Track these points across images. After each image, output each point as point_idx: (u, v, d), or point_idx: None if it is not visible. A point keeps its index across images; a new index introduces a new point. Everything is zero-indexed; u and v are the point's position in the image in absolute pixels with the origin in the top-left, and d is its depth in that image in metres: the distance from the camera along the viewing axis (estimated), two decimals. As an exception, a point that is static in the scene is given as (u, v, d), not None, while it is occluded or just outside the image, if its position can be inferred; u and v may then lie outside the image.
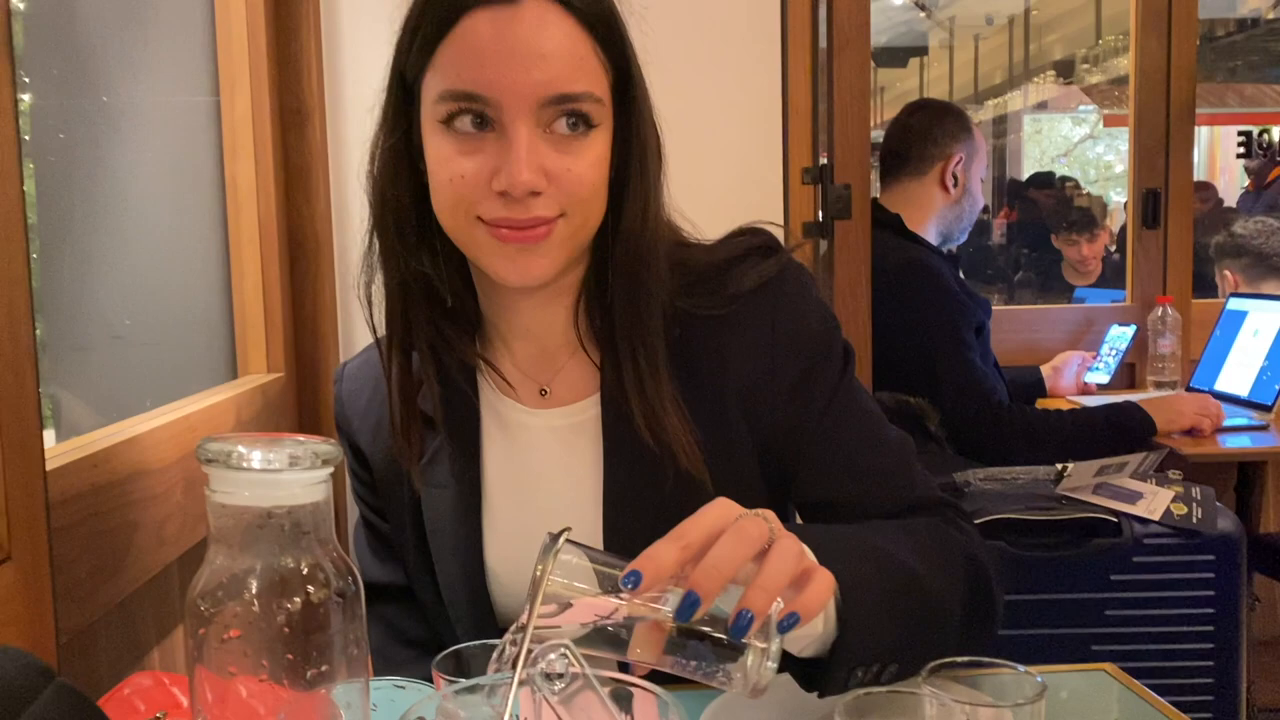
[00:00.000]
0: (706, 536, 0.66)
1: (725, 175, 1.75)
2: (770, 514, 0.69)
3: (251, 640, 0.54)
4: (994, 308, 2.41)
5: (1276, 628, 2.60)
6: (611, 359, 0.92)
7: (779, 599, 0.65)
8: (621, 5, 0.88)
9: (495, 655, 0.63)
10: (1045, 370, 2.70)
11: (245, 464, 0.54)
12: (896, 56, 10.00)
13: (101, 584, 0.96)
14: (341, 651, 0.56)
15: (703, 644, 0.65)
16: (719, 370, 0.93)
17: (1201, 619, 1.83)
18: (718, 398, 0.93)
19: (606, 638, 0.65)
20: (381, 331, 0.96)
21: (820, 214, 1.90)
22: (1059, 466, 1.93)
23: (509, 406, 0.97)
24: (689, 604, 0.63)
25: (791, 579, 0.66)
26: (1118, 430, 2.17)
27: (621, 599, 0.65)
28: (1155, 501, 1.88)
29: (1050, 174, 6.55)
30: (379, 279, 0.94)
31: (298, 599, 0.54)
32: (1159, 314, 2.69)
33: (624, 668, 0.65)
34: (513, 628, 0.63)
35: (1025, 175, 7.97)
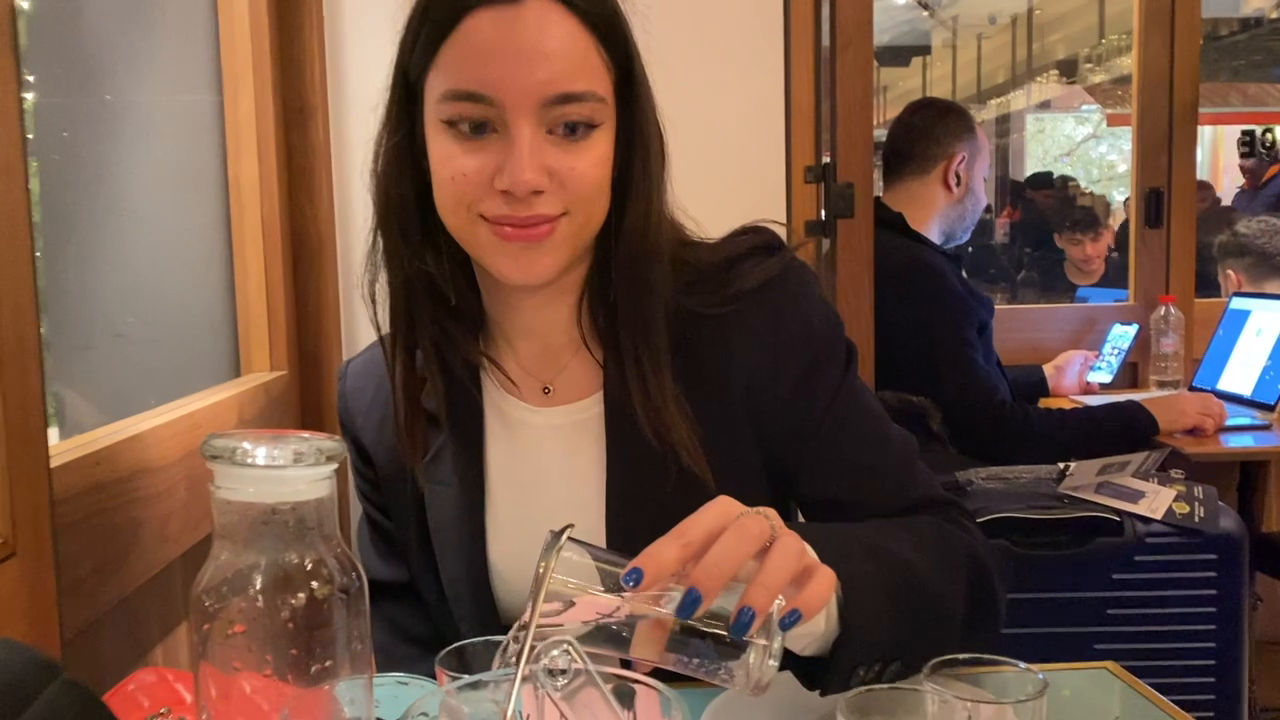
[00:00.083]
0: (708, 534, 0.66)
1: (728, 174, 1.75)
2: (772, 512, 0.69)
3: (256, 636, 0.54)
4: (996, 307, 2.41)
5: (1278, 627, 2.60)
6: (614, 357, 0.93)
7: (780, 596, 0.66)
8: (624, 4, 0.88)
9: (499, 652, 0.63)
10: (1048, 370, 2.70)
11: (250, 460, 0.54)
12: (899, 55, 10.00)
13: (105, 581, 0.96)
14: (345, 647, 0.57)
15: (704, 642, 0.65)
16: (722, 369, 0.93)
17: (1203, 618, 1.83)
18: (720, 396, 0.93)
19: (609, 635, 0.65)
20: (385, 329, 0.96)
21: (823, 213, 1.90)
22: (1061, 465, 1.93)
23: (512, 404, 0.98)
24: (690, 601, 0.64)
25: (793, 577, 0.66)
26: (1120, 429, 2.17)
27: (623, 597, 0.65)
28: (1157, 501, 1.87)
29: (1049, 174, 6.55)
30: (383, 277, 0.94)
31: (302, 595, 0.55)
32: (1162, 313, 2.69)
33: (626, 665, 0.65)
34: (515, 626, 0.63)
35: (1028, 174, 7.97)
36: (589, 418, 0.95)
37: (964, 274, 2.46)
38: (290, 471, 0.55)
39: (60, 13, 1.24)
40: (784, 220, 1.80)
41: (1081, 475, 1.91)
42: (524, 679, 0.56)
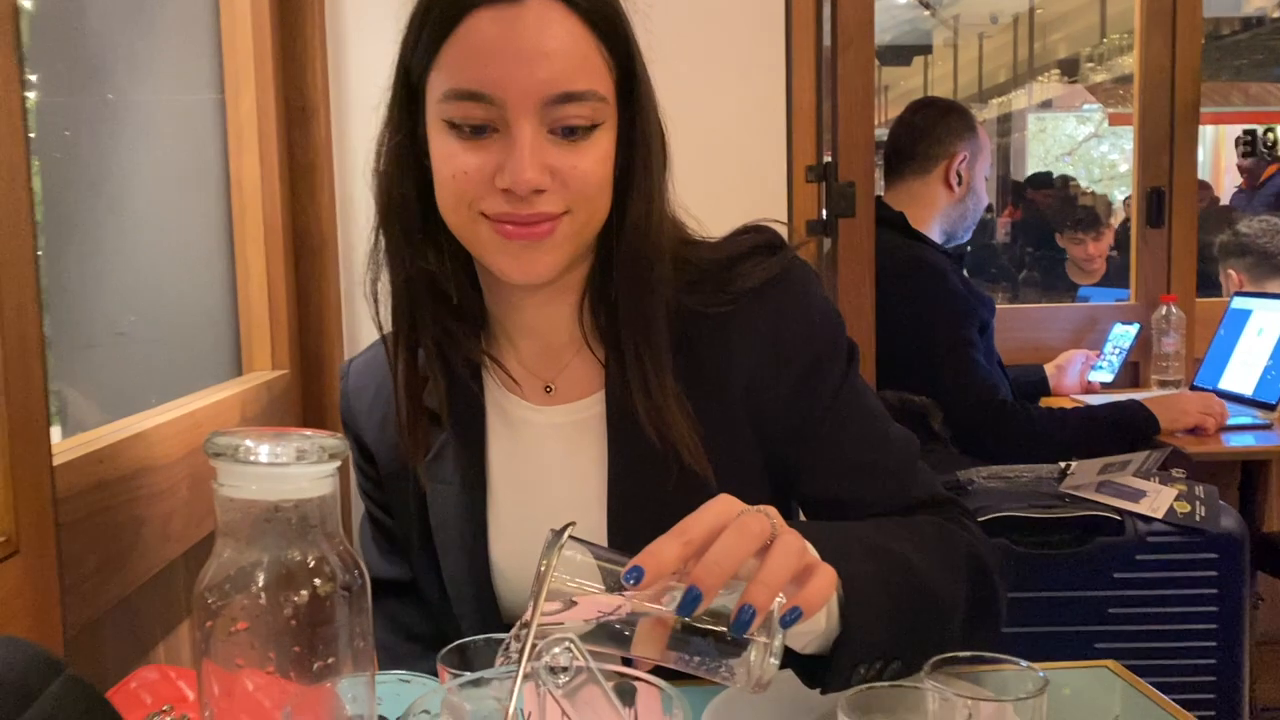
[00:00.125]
0: (708, 532, 0.66)
1: (729, 173, 1.75)
2: (772, 510, 0.69)
3: (258, 633, 0.55)
4: (998, 306, 2.41)
5: (1279, 627, 2.60)
6: (616, 356, 0.93)
7: (781, 594, 0.66)
8: (626, 3, 0.89)
9: (501, 650, 0.63)
10: (1049, 369, 2.70)
11: (253, 458, 0.54)
12: (901, 55, 9.99)
13: (108, 579, 0.96)
14: (348, 644, 0.57)
15: (705, 640, 0.66)
16: (723, 368, 0.93)
17: (1205, 617, 1.83)
18: (722, 395, 0.93)
19: (610, 633, 0.66)
20: (388, 328, 0.96)
21: (824, 212, 1.90)
22: (1062, 465, 1.93)
23: (514, 403, 0.98)
24: (691, 599, 0.64)
25: (793, 575, 0.67)
26: (1121, 429, 2.17)
27: (624, 595, 0.65)
28: (1159, 500, 1.88)
29: (1049, 174, 6.54)
30: (385, 276, 0.94)
31: (304, 592, 0.55)
32: (1163, 313, 2.69)
33: (628, 663, 0.65)
34: (518, 624, 0.63)
35: (1029, 174, 7.96)
36: (590, 416, 0.95)
37: (965, 273, 2.46)
38: (293, 469, 0.55)
39: (62, 12, 1.24)
40: (785, 219, 1.80)
41: (1082, 474, 1.91)
42: (526, 677, 0.56)
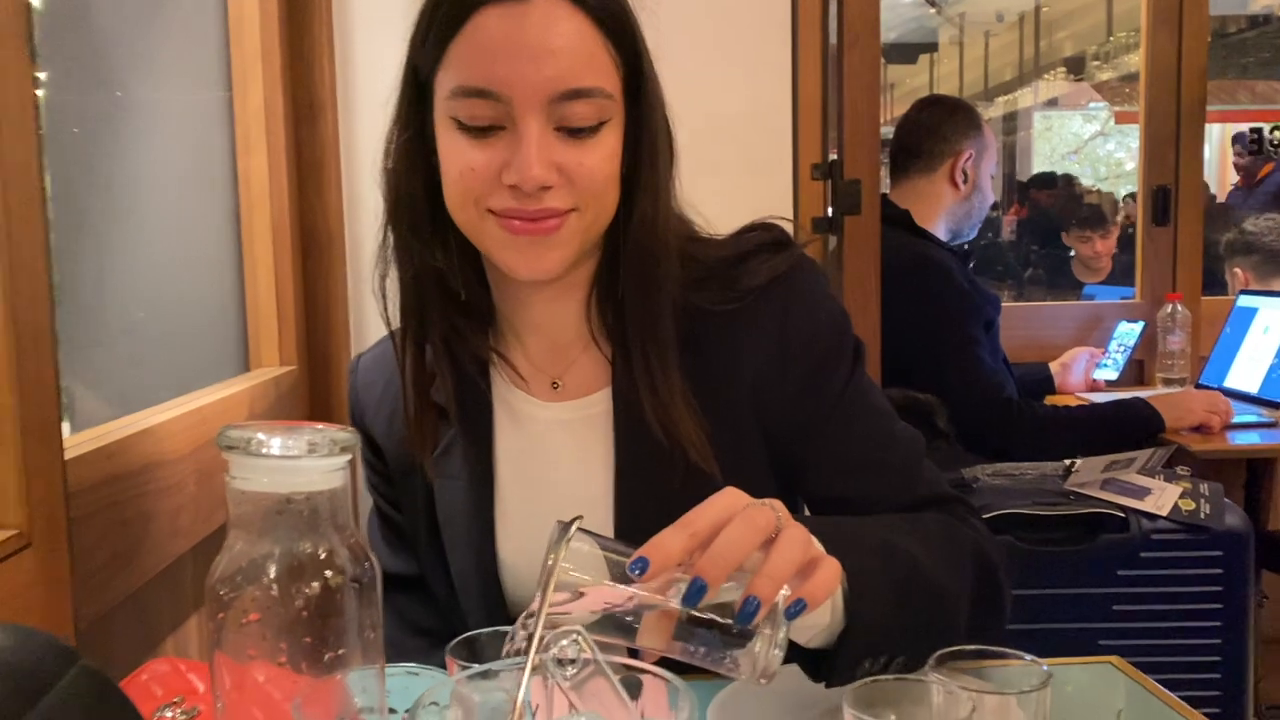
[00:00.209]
0: (714, 525, 0.67)
1: (735, 170, 1.75)
2: (778, 503, 0.70)
3: (270, 624, 0.55)
4: (1003, 304, 2.41)
5: (1285, 625, 2.60)
6: (623, 353, 0.93)
7: (786, 586, 0.66)
8: (633, 1, 0.89)
9: (507, 640, 0.64)
10: (1054, 367, 2.70)
11: (265, 451, 0.55)
12: (906, 53, 9.98)
13: (118, 572, 0.97)
14: (358, 636, 0.57)
15: (711, 632, 0.66)
16: (729, 365, 0.94)
17: (1209, 615, 1.83)
18: (728, 393, 0.93)
19: (616, 625, 0.66)
20: (396, 325, 0.97)
21: (830, 210, 1.90)
22: (1067, 462, 1.93)
23: (521, 399, 0.98)
24: (696, 590, 0.64)
25: (798, 567, 0.67)
26: (1126, 426, 2.17)
27: (631, 587, 0.66)
28: (1163, 497, 1.88)
29: (1052, 174, 6.53)
30: (393, 273, 0.95)
31: (315, 584, 0.55)
32: (1168, 311, 2.68)
33: (634, 655, 0.66)
34: (524, 615, 0.63)
35: (1035, 172, 7.95)
36: (597, 413, 0.96)
37: (971, 271, 2.46)
38: (304, 462, 0.55)
39: (71, 10, 1.24)
40: (791, 217, 1.80)
41: (1087, 472, 1.91)
42: (534, 669, 0.57)
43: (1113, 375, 2.75)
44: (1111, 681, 0.89)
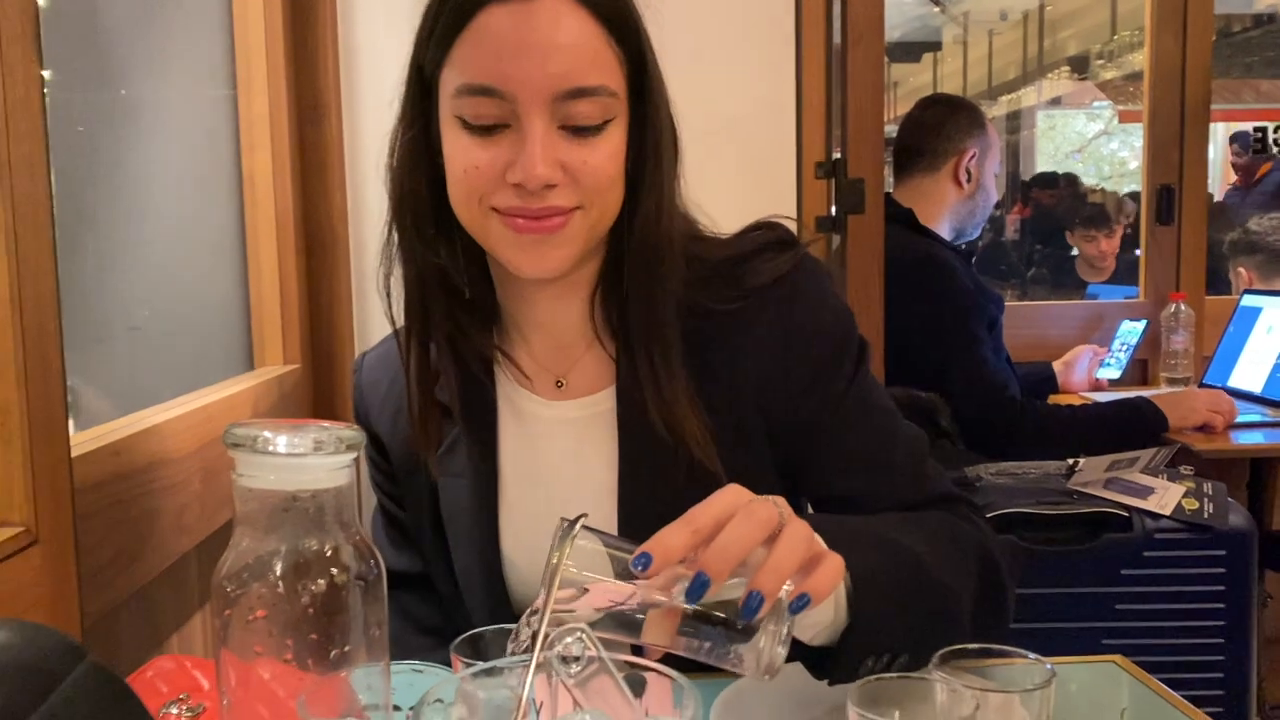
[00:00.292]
0: (716, 520, 0.67)
1: (738, 169, 1.75)
2: (780, 500, 0.70)
3: (276, 621, 0.55)
4: (1006, 303, 2.41)
5: (1288, 625, 2.59)
6: (627, 352, 0.93)
7: (789, 581, 0.66)
8: (637, -1, 0.89)
9: (511, 637, 0.64)
10: (1057, 366, 2.70)
11: (271, 448, 0.55)
12: (910, 51, 9.97)
13: (123, 569, 0.97)
14: (363, 633, 0.58)
15: (715, 627, 0.66)
16: (733, 364, 0.94)
17: (1212, 614, 1.83)
18: (732, 392, 0.94)
19: (620, 621, 0.66)
20: (400, 323, 0.97)
21: (833, 208, 1.90)
22: (1070, 461, 1.93)
23: (525, 398, 0.99)
24: (699, 585, 0.64)
25: (802, 562, 0.67)
26: (1130, 425, 2.17)
27: (634, 584, 0.66)
28: (1167, 497, 1.87)
29: (1054, 174, 6.52)
30: (398, 271, 0.95)
31: (321, 581, 0.56)
32: (1172, 310, 2.68)
33: (638, 651, 0.66)
34: (528, 612, 0.64)
35: (1039, 171, 7.94)
36: (601, 411, 0.96)
37: (974, 270, 2.46)
38: (310, 459, 0.56)
39: (76, 9, 1.25)
40: (794, 216, 1.80)
41: (1090, 471, 1.91)
42: (538, 666, 0.57)
43: (1115, 374, 2.75)
44: (1115, 680, 0.89)
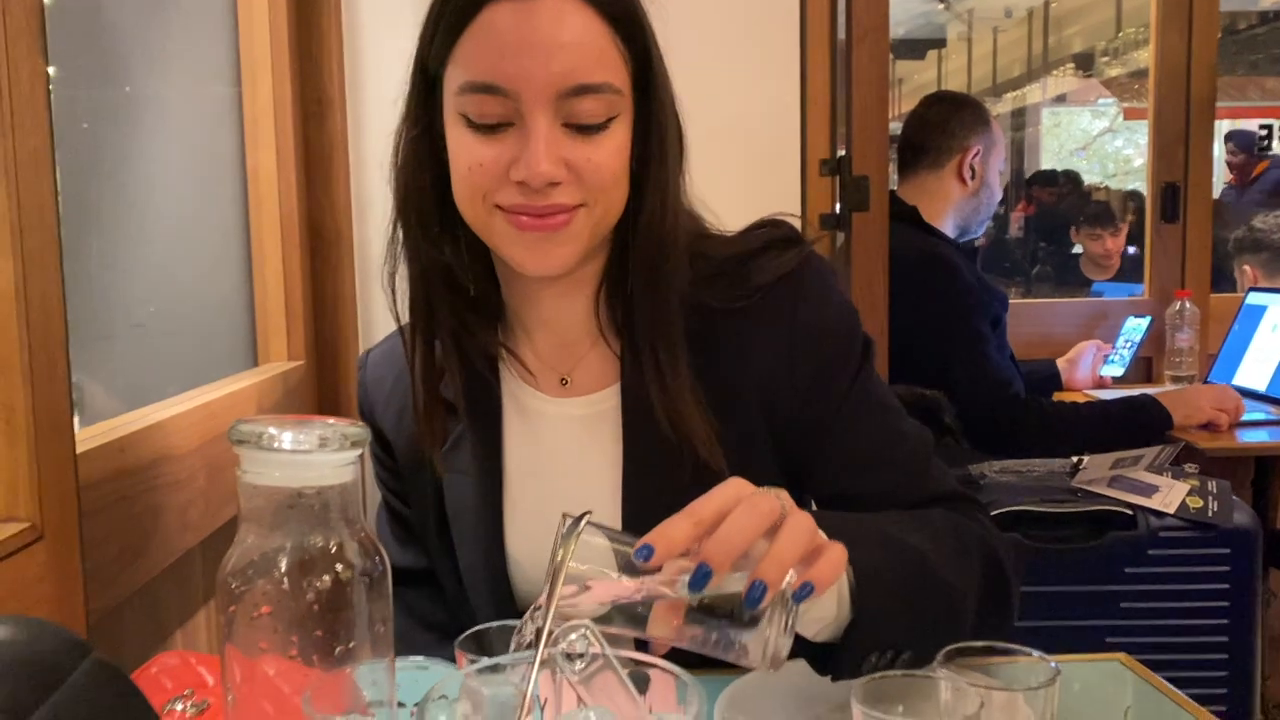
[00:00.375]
0: (718, 512, 0.67)
1: (743, 166, 1.75)
2: (783, 492, 0.70)
3: (281, 617, 0.56)
4: (1010, 301, 2.41)
5: (1292, 623, 2.59)
6: (631, 349, 0.93)
7: (792, 572, 0.66)
8: (642, -3, 0.89)
9: (516, 634, 0.64)
10: (1061, 363, 2.70)
11: (276, 445, 0.55)
12: (915, 48, 9.95)
13: (128, 566, 0.98)
14: (368, 629, 0.58)
15: (719, 619, 0.66)
16: (738, 362, 0.94)
17: (1216, 612, 1.83)
18: (736, 389, 0.94)
19: (626, 616, 0.66)
20: (405, 319, 0.97)
21: (838, 206, 1.90)
22: (1074, 459, 1.93)
23: (530, 395, 0.99)
24: (701, 575, 0.64)
25: (804, 551, 0.67)
26: (1134, 423, 2.17)
27: (638, 579, 0.66)
28: (1171, 495, 1.87)
29: (1054, 172, 6.50)
30: (402, 268, 0.95)
31: (326, 578, 0.56)
32: (1177, 308, 2.68)
33: (642, 645, 0.66)
34: (532, 608, 0.64)
35: (1043, 168, 7.92)
36: (606, 409, 0.96)
37: (979, 267, 2.45)
38: (315, 456, 0.56)
39: (81, 5, 1.25)
40: (799, 213, 1.80)
41: (1095, 469, 1.91)
42: (542, 663, 0.57)
43: (1119, 371, 2.74)
44: (1119, 679, 0.89)
